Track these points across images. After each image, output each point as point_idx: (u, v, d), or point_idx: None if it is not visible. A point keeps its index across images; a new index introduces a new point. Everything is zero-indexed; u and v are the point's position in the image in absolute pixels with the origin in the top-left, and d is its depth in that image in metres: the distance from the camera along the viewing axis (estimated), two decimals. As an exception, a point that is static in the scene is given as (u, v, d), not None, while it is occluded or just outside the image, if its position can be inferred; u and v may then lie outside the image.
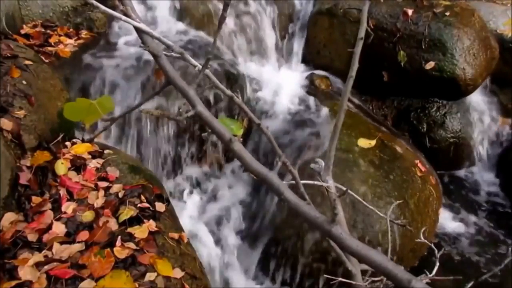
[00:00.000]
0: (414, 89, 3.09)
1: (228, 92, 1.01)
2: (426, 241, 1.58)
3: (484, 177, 3.36)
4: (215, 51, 2.81)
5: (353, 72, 1.21)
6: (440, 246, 2.67)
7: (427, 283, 0.94)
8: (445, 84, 2.90)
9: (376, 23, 3.02)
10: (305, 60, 3.46)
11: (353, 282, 1.41)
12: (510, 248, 2.73)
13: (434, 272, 1.31)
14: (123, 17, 0.90)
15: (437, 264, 1.36)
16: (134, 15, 0.93)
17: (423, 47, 2.90)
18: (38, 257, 1.54)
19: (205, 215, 2.44)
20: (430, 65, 2.88)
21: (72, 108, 0.94)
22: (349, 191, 1.15)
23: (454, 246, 2.74)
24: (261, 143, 2.66)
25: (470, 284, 1.19)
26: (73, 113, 0.95)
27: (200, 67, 0.97)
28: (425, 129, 3.22)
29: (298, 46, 3.45)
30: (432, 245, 1.48)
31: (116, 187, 1.86)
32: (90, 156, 1.99)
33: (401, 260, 2.38)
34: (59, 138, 2.02)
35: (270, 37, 3.36)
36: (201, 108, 0.95)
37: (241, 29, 3.20)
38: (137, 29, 0.95)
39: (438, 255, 1.39)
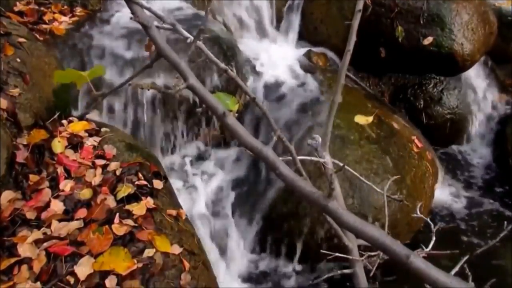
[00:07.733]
0: (412, 65, 3.07)
1: (222, 65, 1.00)
2: (422, 216, 1.59)
3: (480, 153, 3.37)
4: (211, 27, 2.77)
5: (350, 46, 1.20)
6: (436, 221, 2.69)
7: (423, 257, 0.95)
8: (442, 60, 2.88)
9: (374, -2, 2.98)
10: (302, 37, 3.42)
11: (350, 257, 1.43)
12: (505, 222, 2.75)
13: (430, 246, 1.33)
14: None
15: (433, 238, 1.37)
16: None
17: (421, 22, 2.87)
18: (37, 234, 1.55)
19: (203, 192, 2.45)
20: (428, 40, 2.85)
21: (62, 74, 0.93)
22: (346, 167, 1.15)
23: (449, 221, 2.77)
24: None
25: (465, 258, 1.20)
26: (63, 77, 0.94)
27: (192, 38, 0.95)
28: (422, 106, 3.20)
29: (295, 22, 3.42)
30: (428, 220, 1.49)
31: (113, 165, 1.86)
32: (87, 134, 1.99)
33: (397, 236, 2.40)
34: (55, 116, 2.01)
35: (267, 13, 3.33)
36: (193, 80, 0.94)
37: (237, 5, 3.16)
38: (126, -2, 0.92)
39: (434, 230, 1.41)
